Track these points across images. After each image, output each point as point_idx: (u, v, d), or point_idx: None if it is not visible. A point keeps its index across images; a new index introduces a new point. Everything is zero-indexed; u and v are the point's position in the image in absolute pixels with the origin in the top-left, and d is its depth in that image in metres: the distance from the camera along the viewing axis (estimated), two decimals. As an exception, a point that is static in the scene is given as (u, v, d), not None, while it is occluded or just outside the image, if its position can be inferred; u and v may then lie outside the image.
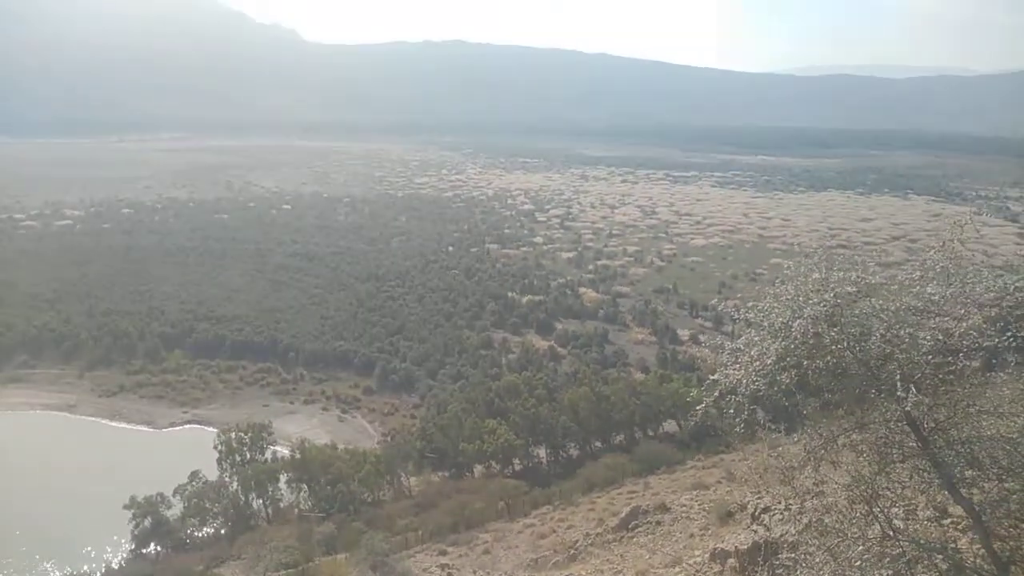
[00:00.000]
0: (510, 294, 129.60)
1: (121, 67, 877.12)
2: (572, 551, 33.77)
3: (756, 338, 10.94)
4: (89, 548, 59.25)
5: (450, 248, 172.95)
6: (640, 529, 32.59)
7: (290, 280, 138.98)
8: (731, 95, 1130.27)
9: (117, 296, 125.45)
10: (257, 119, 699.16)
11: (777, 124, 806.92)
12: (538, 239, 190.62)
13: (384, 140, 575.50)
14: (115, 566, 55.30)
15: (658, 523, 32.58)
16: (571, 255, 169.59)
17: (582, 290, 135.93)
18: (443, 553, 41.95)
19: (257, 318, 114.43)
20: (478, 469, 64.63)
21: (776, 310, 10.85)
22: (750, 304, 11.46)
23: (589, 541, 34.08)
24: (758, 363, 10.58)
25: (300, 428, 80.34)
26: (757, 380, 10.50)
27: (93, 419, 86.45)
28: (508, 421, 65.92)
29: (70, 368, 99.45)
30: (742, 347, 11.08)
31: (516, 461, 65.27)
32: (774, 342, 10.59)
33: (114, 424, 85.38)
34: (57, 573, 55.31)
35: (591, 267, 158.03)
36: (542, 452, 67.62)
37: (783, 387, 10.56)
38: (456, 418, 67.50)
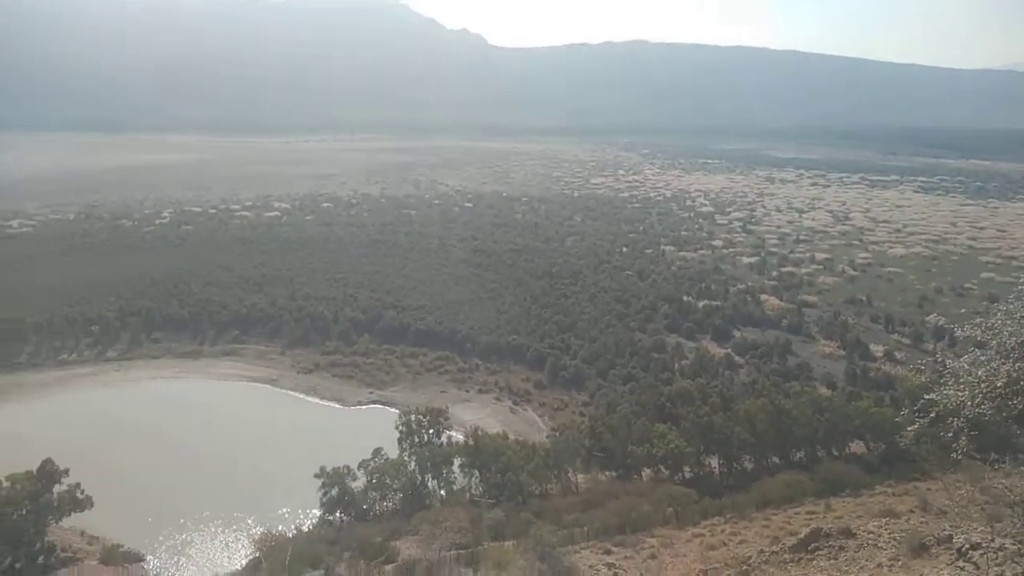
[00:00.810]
0: (685, 298, 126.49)
1: (322, 73, 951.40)
2: (745, 567, 32.49)
3: (983, 358, 10.08)
4: (284, 509, 65.04)
5: (624, 249, 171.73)
6: (821, 552, 30.72)
7: (469, 274, 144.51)
8: (938, 94, 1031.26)
9: (316, 282, 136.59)
10: (445, 121, 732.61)
11: (994, 126, 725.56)
12: (717, 242, 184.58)
13: (563, 141, 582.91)
14: (304, 528, 60.23)
15: (841, 548, 30.55)
16: (753, 260, 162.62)
17: (764, 297, 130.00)
18: (608, 552, 41.89)
19: (438, 309, 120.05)
20: (646, 472, 63.79)
21: (1008, 328, 9.93)
22: (977, 321, 10.56)
23: (763, 559, 32.61)
24: (985, 384, 9.73)
25: (474, 416, 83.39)
26: (984, 403, 9.66)
27: (292, 393, 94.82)
28: (679, 427, 64.42)
29: (274, 345, 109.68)
30: (966, 366, 10.24)
31: (686, 468, 63.70)
32: (1005, 363, 9.70)
33: (309, 399, 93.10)
34: (256, 528, 60.99)
35: (775, 273, 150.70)
36: (714, 462, 65.48)
37: (1014, 413, 9.64)
38: (626, 419, 66.99)
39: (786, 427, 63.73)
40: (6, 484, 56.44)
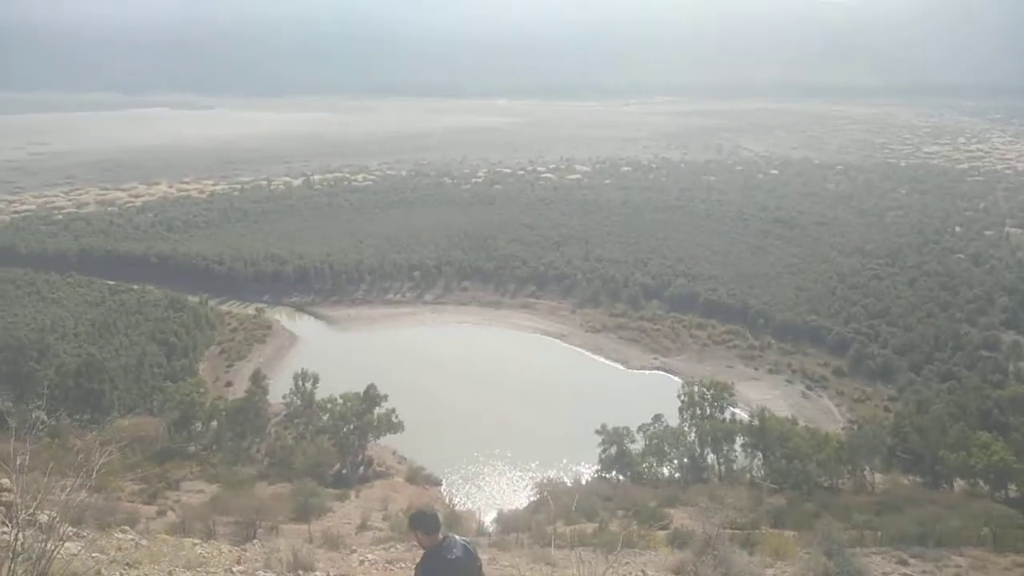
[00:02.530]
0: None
1: (633, 37, 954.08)
2: (1081, 614, 27.47)
3: None
4: (565, 460, 68.59)
5: (957, 228, 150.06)
6: None
7: (768, 246, 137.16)
8: None
9: (609, 244, 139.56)
10: (756, 81, 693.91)
11: None
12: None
13: (893, 103, 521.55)
14: (582, 482, 63.05)
15: None
16: None
17: None
18: (903, 563, 37.95)
19: (731, 280, 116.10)
20: (959, 484, 56.43)
21: None
22: None
23: (1110, 609, 27.28)
24: None
25: (760, 395, 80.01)
26: None
27: (579, 350, 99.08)
28: (1008, 438, 55.79)
29: (565, 303, 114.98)
30: None
31: (1012, 487, 55.08)
32: None
33: (595, 357, 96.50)
34: (538, 473, 65.08)
35: None
36: (1051, 485, 55.73)
37: None
38: (940, 422, 59.65)
39: None
40: (340, 402, 67.39)
